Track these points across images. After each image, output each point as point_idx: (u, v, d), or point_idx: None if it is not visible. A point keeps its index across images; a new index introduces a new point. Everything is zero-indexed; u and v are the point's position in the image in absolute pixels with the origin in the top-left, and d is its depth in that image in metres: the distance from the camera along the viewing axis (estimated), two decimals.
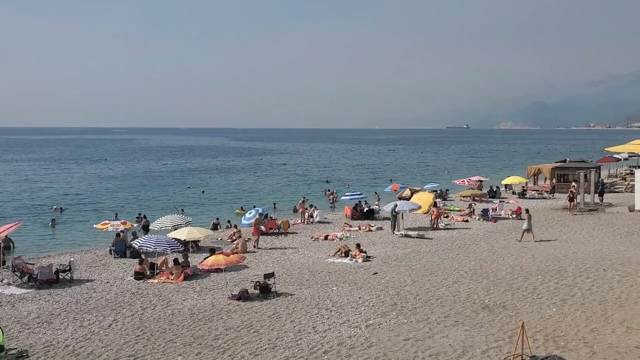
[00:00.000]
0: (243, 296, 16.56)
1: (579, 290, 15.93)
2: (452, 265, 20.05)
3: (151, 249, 21.91)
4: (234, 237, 26.71)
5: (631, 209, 31.68)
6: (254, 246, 25.08)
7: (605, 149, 62.16)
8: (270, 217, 31.17)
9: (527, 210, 26.50)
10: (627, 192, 40.91)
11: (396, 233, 27.62)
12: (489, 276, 17.99)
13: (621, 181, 48.25)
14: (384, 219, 32.35)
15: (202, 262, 20.91)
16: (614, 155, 58.59)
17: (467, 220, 31.46)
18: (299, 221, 32.57)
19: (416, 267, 20.03)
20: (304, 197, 36.53)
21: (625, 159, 60.59)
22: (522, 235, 24.80)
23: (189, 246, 24.57)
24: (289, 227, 29.84)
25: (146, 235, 24.97)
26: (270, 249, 24.89)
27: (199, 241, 25.51)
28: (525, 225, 25.00)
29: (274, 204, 41.58)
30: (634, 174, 37.88)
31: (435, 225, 29.03)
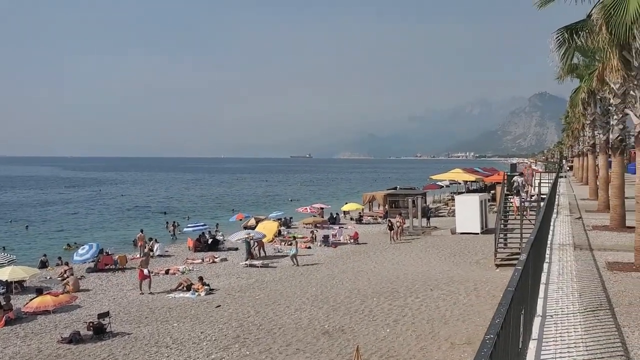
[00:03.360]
0: (74, 338, 15.38)
1: (410, 310, 17.11)
2: (294, 292, 20.47)
3: None
4: (65, 275, 24.74)
5: (453, 232, 34.88)
6: (147, 292, 21.84)
7: (430, 177, 68.24)
8: (106, 253, 29.45)
9: (294, 237, 27.83)
10: (449, 216, 44.90)
11: (240, 264, 27.58)
12: (329, 301, 18.65)
13: (444, 206, 53.04)
14: (229, 249, 32.25)
15: (27, 304, 19.07)
16: (438, 183, 64.38)
17: (309, 247, 32.38)
18: (138, 255, 31.10)
19: (260, 297, 20.13)
20: (142, 230, 35.04)
21: (447, 186, 66.75)
22: (292, 261, 26.32)
23: (12, 287, 22.26)
24: (126, 262, 28.38)
25: None
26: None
27: (24, 281, 23.24)
28: (292, 251, 26.38)
29: (134, 240, 38.07)
30: (454, 199, 41.85)
31: (257, 255, 29.28)
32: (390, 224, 34.31)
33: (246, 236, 29.46)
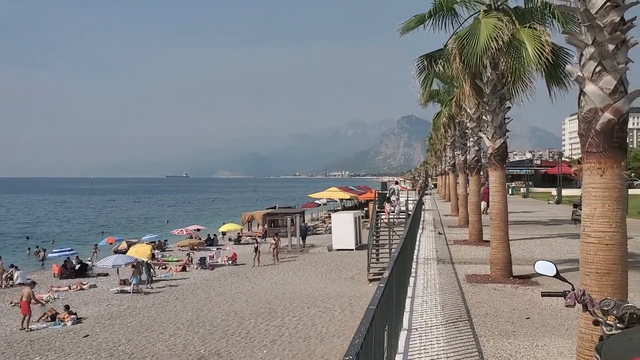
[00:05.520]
0: None
1: (287, 329, 17.22)
2: (169, 317, 19.81)
3: None
4: None
5: (330, 249, 35.72)
6: (24, 328, 19.50)
7: (308, 195, 69.55)
8: None
9: (133, 266, 27.13)
10: (326, 233, 45.96)
11: (111, 290, 26.24)
12: (205, 325, 18.25)
13: (322, 224, 54.26)
14: (98, 275, 30.61)
15: None
16: (315, 201, 65.79)
17: (185, 270, 31.55)
18: None
19: (132, 324, 19.24)
20: (0, 257, 32.21)
21: (324, 204, 68.38)
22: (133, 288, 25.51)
23: None
24: None
25: None
26: None
27: None
28: (134, 280, 25.82)
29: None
30: (331, 217, 42.93)
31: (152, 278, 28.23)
32: (256, 246, 34.15)
33: (148, 260, 28.49)
